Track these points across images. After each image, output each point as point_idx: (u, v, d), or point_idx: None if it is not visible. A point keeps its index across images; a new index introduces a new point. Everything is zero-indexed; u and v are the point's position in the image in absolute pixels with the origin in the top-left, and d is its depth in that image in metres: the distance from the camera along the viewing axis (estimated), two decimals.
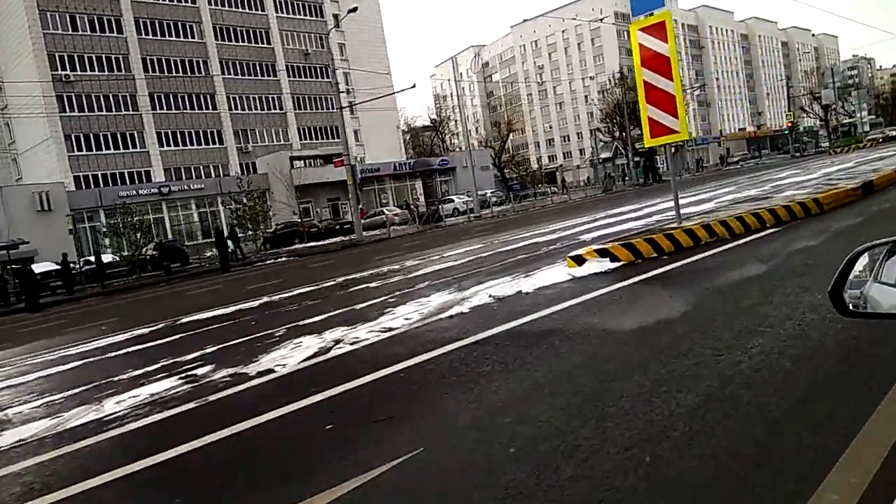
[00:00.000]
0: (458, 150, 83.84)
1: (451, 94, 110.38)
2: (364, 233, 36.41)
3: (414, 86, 31.93)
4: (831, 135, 59.17)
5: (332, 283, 12.15)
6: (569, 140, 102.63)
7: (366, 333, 6.40)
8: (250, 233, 31.07)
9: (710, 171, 57.04)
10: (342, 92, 52.87)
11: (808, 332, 4.31)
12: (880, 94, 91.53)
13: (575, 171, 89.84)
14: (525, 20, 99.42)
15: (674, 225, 9.78)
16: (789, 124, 61.17)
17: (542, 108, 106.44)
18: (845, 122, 58.61)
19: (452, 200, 42.32)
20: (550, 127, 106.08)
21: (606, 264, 8.30)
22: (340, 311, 8.25)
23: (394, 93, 28.68)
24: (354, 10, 29.99)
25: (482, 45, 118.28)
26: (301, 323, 7.70)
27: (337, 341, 6.26)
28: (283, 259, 26.26)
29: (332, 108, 54.72)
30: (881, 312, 1.56)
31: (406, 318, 6.85)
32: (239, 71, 52.24)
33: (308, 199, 46.65)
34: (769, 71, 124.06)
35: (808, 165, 29.99)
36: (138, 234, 27.06)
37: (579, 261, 8.47)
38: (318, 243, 32.39)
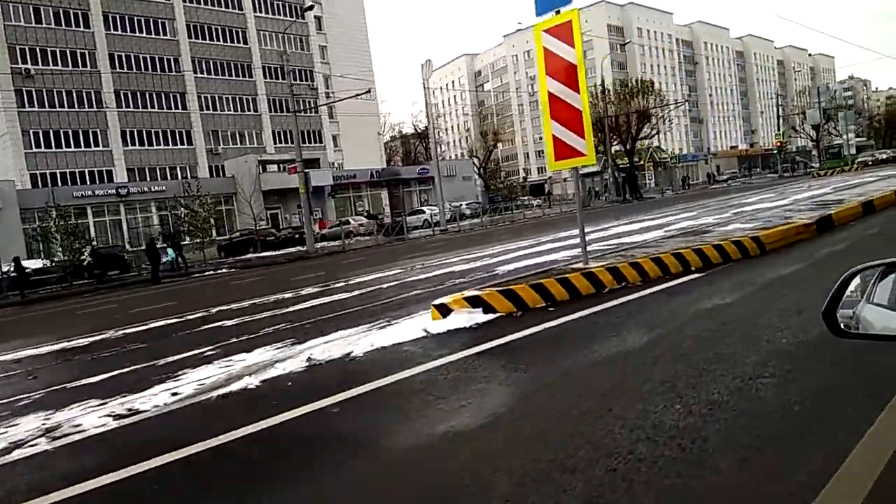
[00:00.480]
0: (442, 158, 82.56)
1: (440, 102, 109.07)
2: (325, 243, 34.79)
3: (369, 91, 30.14)
4: (821, 156, 57.77)
5: (203, 313, 10.52)
6: None
7: (99, 418, 4.77)
8: (198, 241, 29.21)
9: (695, 190, 55.66)
10: (310, 97, 51.57)
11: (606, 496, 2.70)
12: (873, 116, 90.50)
13: (563, 184, 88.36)
14: (518, 29, 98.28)
15: (578, 265, 8.18)
16: (778, 144, 59.80)
17: (532, 119, 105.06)
18: (835, 143, 57.25)
19: (423, 211, 40.64)
20: (541, 138, 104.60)
21: (477, 317, 6.70)
22: (138, 367, 6.64)
23: (348, 98, 27.14)
24: (311, 8, 28.42)
25: (475, 54, 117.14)
26: (69, 385, 6.11)
27: (52, 429, 4.63)
28: (223, 271, 24.55)
29: (310, 112, 53.38)
30: (873, 333, 1.63)
31: (174, 394, 5.23)
32: (212, 70, 50.49)
33: (277, 204, 44.96)
34: (764, 89, 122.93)
35: (787, 189, 28.55)
36: (71, 239, 25.28)
37: (444, 311, 6.87)
38: (271, 253, 30.71)
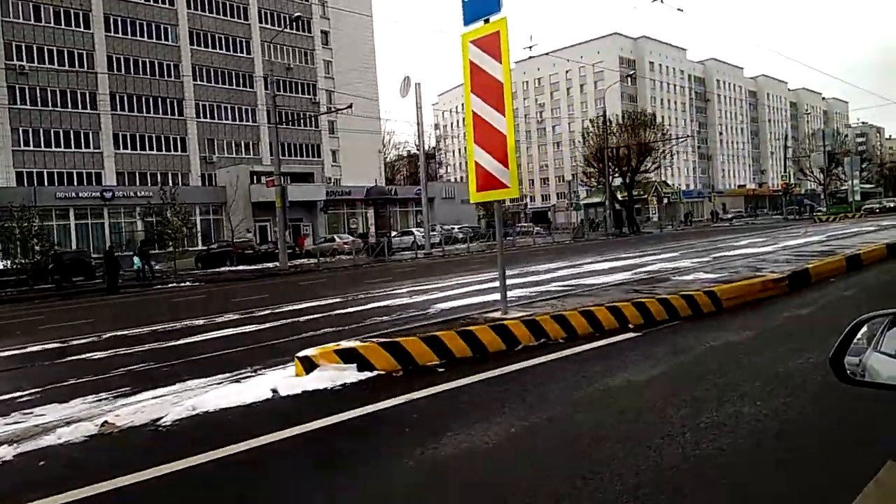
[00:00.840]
0: (446, 180, 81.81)
1: (449, 125, 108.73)
2: (306, 259, 33.68)
3: (350, 106, 29.28)
4: (828, 200, 56.45)
5: (94, 338, 9.38)
6: (563, 181, 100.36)
7: None
8: (169, 250, 28.15)
9: (696, 227, 54.46)
10: (311, 110, 50.83)
11: None
12: (884, 163, 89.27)
13: (566, 213, 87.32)
14: (530, 56, 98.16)
15: (495, 314, 7.00)
16: (783, 186, 58.54)
17: (539, 146, 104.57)
18: (842, 188, 55.95)
19: (412, 233, 39.59)
20: (546, 166, 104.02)
21: (347, 374, 5.53)
22: None
23: (332, 112, 26.32)
24: (298, 18, 27.68)
25: None
26: None
27: None
28: (185, 284, 23.45)
29: (310, 126, 52.75)
30: (879, 382, 1.58)
31: None
32: (212, 78, 49.91)
33: (267, 217, 43.98)
34: (775, 130, 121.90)
35: (783, 233, 27.31)
36: (33, 241, 24.32)
37: (308, 365, 5.70)
38: (245, 267, 29.62)
